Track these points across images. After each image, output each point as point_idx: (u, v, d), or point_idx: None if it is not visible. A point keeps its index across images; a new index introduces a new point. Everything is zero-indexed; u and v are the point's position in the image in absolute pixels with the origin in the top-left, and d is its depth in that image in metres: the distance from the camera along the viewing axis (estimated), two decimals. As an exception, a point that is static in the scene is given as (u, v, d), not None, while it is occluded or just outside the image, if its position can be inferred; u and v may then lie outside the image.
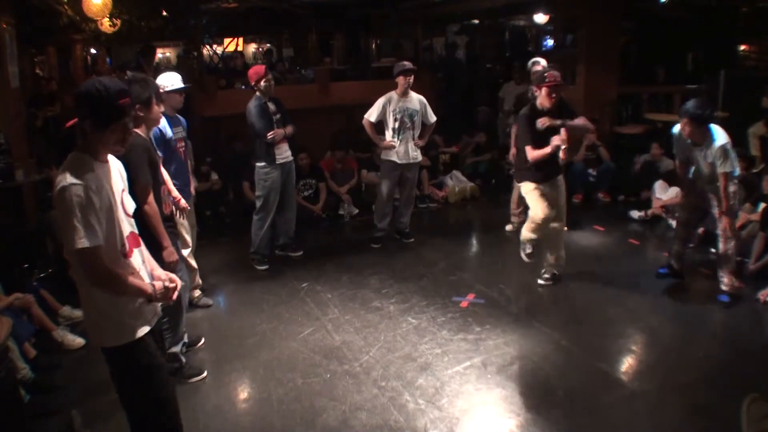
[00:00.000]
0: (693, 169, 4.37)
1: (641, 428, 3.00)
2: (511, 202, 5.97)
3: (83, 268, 2.00)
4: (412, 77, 5.33)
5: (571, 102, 7.54)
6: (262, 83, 4.85)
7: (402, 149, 5.40)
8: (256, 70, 4.94)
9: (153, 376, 2.25)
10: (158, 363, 2.28)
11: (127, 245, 2.16)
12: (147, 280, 2.24)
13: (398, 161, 5.43)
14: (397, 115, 5.36)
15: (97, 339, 2.20)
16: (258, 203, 5.07)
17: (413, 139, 5.43)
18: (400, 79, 5.31)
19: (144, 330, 2.21)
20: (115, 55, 13.61)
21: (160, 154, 3.86)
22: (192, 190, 4.39)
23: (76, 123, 2.09)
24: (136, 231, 2.27)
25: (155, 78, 3.95)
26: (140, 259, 2.26)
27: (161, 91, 3.99)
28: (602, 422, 3.03)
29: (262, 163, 4.95)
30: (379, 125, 5.50)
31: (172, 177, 3.99)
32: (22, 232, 5.00)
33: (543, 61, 5.65)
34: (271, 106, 4.94)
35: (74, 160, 2.02)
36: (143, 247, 2.32)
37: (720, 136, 4.05)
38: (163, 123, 3.97)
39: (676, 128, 4.24)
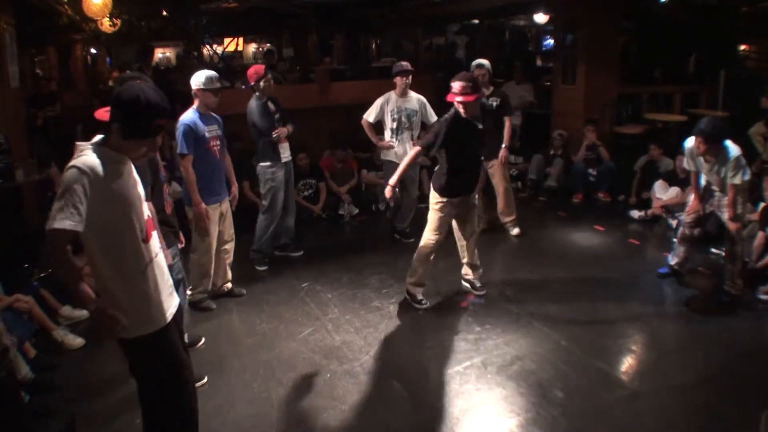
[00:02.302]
0: (703, 176, 4.40)
1: (641, 428, 3.00)
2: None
3: (49, 246, 1.97)
4: (410, 77, 5.31)
5: (572, 101, 7.65)
6: (262, 83, 4.82)
7: (401, 150, 5.38)
8: (256, 69, 4.92)
9: (175, 369, 2.25)
10: (181, 357, 2.29)
11: (145, 230, 2.17)
12: (164, 267, 2.31)
13: (397, 161, 5.41)
14: (395, 116, 5.35)
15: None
16: (265, 203, 5.02)
17: (412, 140, 5.41)
18: (398, 80, 5.31)
19: (162, 322, 2.22)
20: (115, 55, 13.61)
21: (186, 151, 3.89)
22: (234, 190, 4.37)
23: (109, 118, 2.05)
24: (152, 216, 2.31)
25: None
26: (158, 244, 2.29)
27: (196, 89, 4.04)
28: (602, 422, 3.03)
29: (268, 163, 4.91)
30: (379, 126, 5.50)
31: (203, 177, 4.04)
32: (22, 232, 5.00)
33: (486, 63, 5.57)
34: (271, 106, 4.93)
35: (96, 151, 2.01)
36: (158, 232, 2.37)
37: (733, 149, 4.08)
38: (194, 119, 4.01)
39: (689, 142, 4.25)
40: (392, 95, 5.38)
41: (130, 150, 2.09)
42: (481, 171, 4.43)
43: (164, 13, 7.37)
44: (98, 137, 2.09)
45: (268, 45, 15.91)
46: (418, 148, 4.23)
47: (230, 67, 11.48)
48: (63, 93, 8.45)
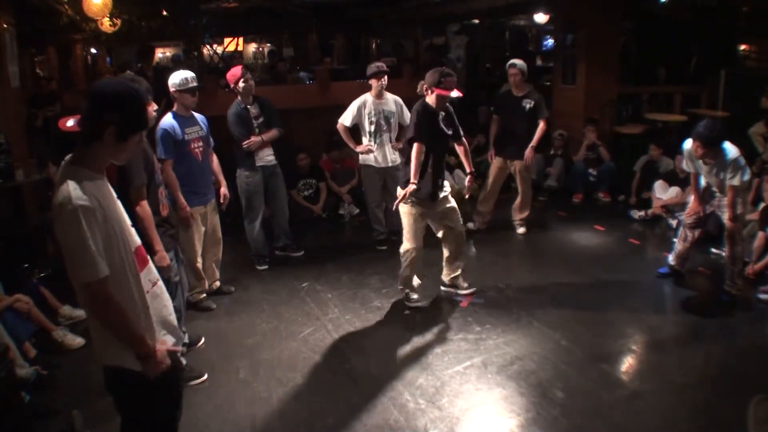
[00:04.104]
0: (702, 178, 4.40)
1: (641, 428, 3.00)
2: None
3: (90, 298, 1.80)
4: (386, 78, 5.24)
5: (572, 101, 7.64)
6: (241, 84, 4.72)
7: (380, 153, 5.30)
8: (233, 72, 4.83)
9: (164, 398, 2.07)
10: (170, 385, 2.09)
11: (133, 261, 1.94)
12: (162, 298, 2.08)
13: (376, 165, 5.34)
14: (373, 118, 5.25)
15: (108, 357, 1.97)
16: (243, 207, 5.03)
17: (390, 142, 5.33)
18: (373, 82, 5.21)
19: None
20: (115, 55, 13.60)
21: (164, 156, 3.88)
22: (223, 191, 4.38)
23: (85, 129, 1.84)
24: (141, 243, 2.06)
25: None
26: (154, 274, 2.07)
27: (172, 91, 4.02)
28: (602, 422, 3.03)
29: (242, 168, 4.90)
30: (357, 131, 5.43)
31: (185, 179, 4.01)
32: (22, 232, 5.00)
33: (520, 62, 5.58)
34: (253, 110, 4.83)
35: (74, 176, 1.78)
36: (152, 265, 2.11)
37: (731, 151, 4.07)
38: (172, 123, 3.98)
39: (687, 144, 4.24)
40: (368, 97, 5.28)
41: (122, 151, 1.87)
42: (444, 169, 4.23)
43: (164, 13, 7.37)
44: (67, 159, 1.85)
45: (269, 45, 15.91)
46: (418, 145, 3.95)
47: (230, 67, 11.49)
48: (63, 93, 8.43)
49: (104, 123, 1.78)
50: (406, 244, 4.21)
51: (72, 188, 1.74)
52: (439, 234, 4.39)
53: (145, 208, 2.99)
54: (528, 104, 5.50)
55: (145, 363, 1.91)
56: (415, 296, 4.36)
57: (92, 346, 2.03)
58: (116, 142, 1.81)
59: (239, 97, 4.82)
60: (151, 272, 2.04)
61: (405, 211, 4.14)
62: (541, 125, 5.52)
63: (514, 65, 5.56)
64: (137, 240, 2.01)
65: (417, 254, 4.21)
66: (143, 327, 1.94)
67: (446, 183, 4.28)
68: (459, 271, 4.50)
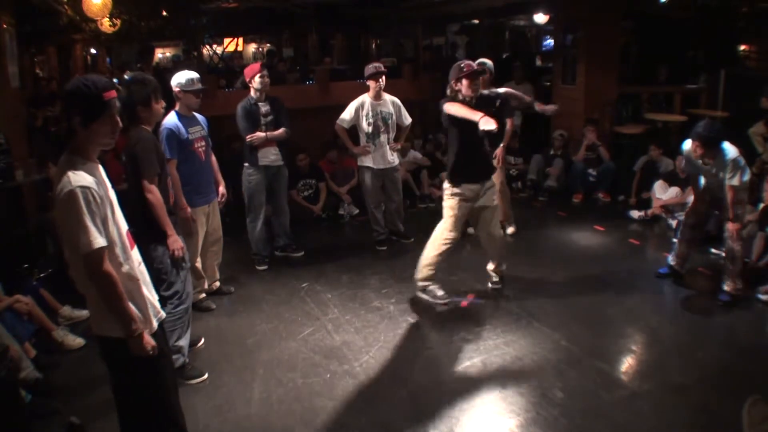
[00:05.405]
0: (702, 178, 4.39)
1: (641, 428, 3.00)
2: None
3: (89, 268, 1.99)
4: (384, 79, 5.24)
5: (572, 101, 7.64)
6: (257, 78, 4.79)
7: (378, 154, 5.30)
8: (252, 67, 4.93)
9: (158, 370, 2.23)
10: (164, 357, 2.26)
11: (126, 240, 2.18)
12: (148, 278, 2.29)
13: (374, 167, 5.35)
14: (371, 119, 5.25)
15: (102, 329, 2.14)
16: (245, 204, 5.07)
17: (389, 143, 5.33)
18: (371, 83, 5.22)
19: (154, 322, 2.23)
20: (115, 55, 13.62)
21: (168, 155, 3.90)
22: (221, 190, 4.40)
23: (64, 123, 2.10)
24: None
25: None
26: (138, 258, 2.26)
27: (177, 90, 4.03)
28: (602, 422, 3.03)
29: (246, 164, 4.96)
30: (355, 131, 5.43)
31: (189, 178, 4.04)
32: (22, 232, 5.00)
33: (488, 62, 5.43)
34: (263, 107, 4.88)
35: (70, 164, 2.01)
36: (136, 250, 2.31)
37: (730, 151, 4.07)
38: (176, 123, 4.00)
39: (687, 145, 4.23)
40: (366, 98, 5.28)
41: (98, 136, 2.07)
42: (482, 160, 4.30)
43: (164, 13, 7.37)
44: (64, 155, 2.07)
45: (269, 45, 15.92)
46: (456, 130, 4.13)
47: (230, 67, 11.51)
48: (63, 93, 8.45)
49: (71, 116, 2.04)
50: (446, 232, 4.26)
51: (70, 174, 1.97)
52: (477, 230, 4.50)
53: (156, 194, 3.15)
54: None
55: (131, 342, 2.09)
56: (440, 292, 4.35)
57: (90, 318, 2.23)
58: (84, 130, 2.04)
59: (252, 92, 4.87)
60: (136, 253, 2.26)
61: (447, 205, 4.25)
62: (509, 124, 5.44)
63: (483, 64, 5.46)
64: (125, 224, 2.22)
65: (451, 246, 4.28)
66: (136, 295, 2.15)
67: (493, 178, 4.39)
68: (495, 266, 4.60)
